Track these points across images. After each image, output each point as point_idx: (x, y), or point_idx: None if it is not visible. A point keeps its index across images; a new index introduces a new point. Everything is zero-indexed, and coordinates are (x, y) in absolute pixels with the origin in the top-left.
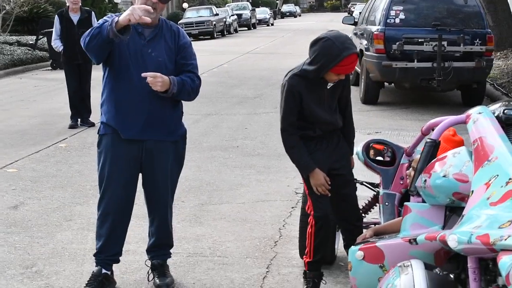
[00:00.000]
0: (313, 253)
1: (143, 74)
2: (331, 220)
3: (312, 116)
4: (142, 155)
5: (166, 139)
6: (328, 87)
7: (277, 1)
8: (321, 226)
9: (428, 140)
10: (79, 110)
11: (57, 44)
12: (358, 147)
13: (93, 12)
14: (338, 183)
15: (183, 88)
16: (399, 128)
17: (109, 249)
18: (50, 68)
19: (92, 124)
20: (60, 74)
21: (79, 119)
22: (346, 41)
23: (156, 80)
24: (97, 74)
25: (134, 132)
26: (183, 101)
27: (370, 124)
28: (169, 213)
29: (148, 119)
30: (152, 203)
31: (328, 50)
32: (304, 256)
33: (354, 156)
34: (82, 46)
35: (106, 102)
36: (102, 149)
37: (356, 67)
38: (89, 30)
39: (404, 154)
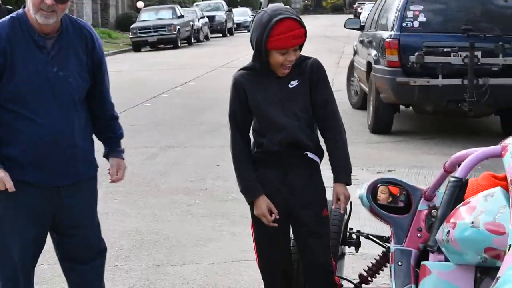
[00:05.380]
0: None
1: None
2: (283, 274)
3: (260, 115)
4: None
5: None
6: (291, 86)
7: (261, 0)
8: (268, 281)
9: (452, 178)
10: None
11: None
12: (362, 189)
13: None
14: (300, 235)
15: None
16: (419, 165)
17: None
18: None
19: None
20: None
21: None
22: (280, 9)
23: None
24: None
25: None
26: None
27: (380, 160)
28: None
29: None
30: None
31: (258, 21)
32: None
33: (357, 200)
34: None
35: None
36: None
37: (362, 85)
38: None
39: (422, 198)
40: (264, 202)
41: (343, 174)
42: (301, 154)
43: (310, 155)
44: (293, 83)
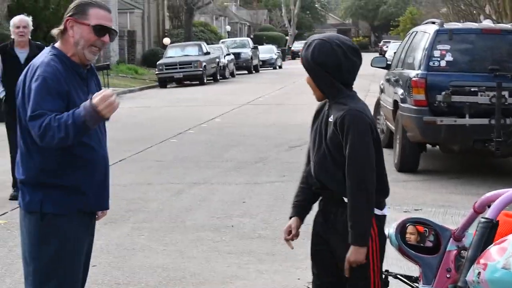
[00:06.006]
0: None
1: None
2: None
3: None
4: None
5: None
6: (330, 120)
7: (287, 37)
8: None
9: (483, 220)
10: None
11: None
12: (390, 228)
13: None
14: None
15: None
16: (446, 205)
17: None
18: None
19: None
20: (2, 128)
21: None
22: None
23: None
24: None
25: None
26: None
27: (407, 199)
28: None
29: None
30: None
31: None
32: None
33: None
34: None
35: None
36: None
37: (389, 124)
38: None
39: (451, 238)
40: (289, 222)
41: (351, 236)
42: (337, 196)
43: (346, 199)
44: (332, 119)
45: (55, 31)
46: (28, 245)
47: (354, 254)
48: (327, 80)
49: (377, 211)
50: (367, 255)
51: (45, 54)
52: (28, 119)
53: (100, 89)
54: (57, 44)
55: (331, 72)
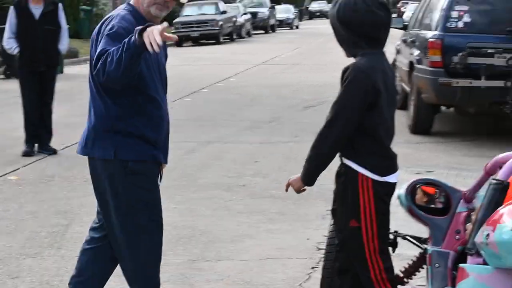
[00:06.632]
0: None
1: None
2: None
3: None
4: None
5: None
6: None
7: None
8: None
9: (493, 181)
10: (38, 132)
11: (11, 45)
12: (400, 189)
13: (60, 4)
14: None
15: None
16: (459, 167)
17: None
18: (2, 76)
19: (54, 151)
20: (16, 84)
21: (36, 144)
22: None
23: None
24: (62, 85)
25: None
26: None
27: (420, 161)
28: None
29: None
30: None
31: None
32: None
33: (395, 200)
34: (114, 75)
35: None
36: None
37: (404, 85)
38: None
39: (462, 200)
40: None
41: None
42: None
43: (345, 161)
44: None
45: None
46: (111, 194)
47: (294, 179)
48: (347, 38)
49: (375, 177)
50: (358, 220)
51: (121, 9)
52: (94, 59)
53: (166, 51)
54: (131, 1)
55: (354, 29)
